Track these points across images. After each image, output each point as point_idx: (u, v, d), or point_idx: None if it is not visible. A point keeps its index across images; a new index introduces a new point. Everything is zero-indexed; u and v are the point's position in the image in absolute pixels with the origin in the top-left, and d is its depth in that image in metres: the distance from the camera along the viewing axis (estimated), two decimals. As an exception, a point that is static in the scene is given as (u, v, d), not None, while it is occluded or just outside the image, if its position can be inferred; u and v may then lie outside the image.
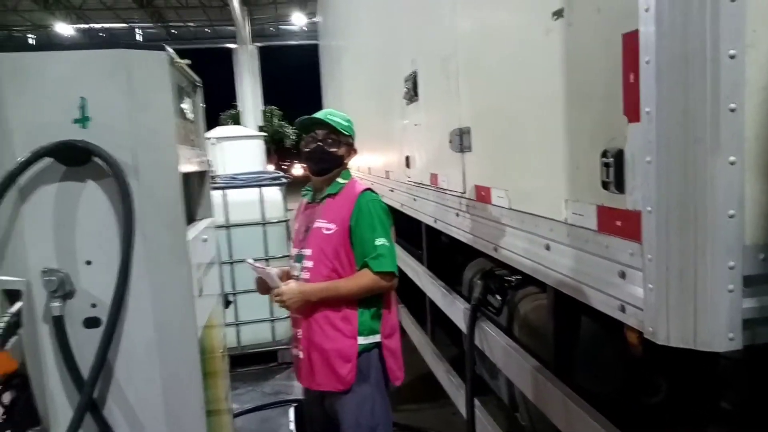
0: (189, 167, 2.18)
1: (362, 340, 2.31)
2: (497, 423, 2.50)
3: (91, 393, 1.69)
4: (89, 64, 1.78)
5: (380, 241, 2.28)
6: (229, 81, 26.66)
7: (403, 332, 4.07)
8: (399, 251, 4.19)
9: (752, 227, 1.11)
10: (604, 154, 1.30)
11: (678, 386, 1.70)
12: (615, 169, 1.26)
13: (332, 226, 2.32)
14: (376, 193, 2.43)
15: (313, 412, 2.58)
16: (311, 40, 21.92)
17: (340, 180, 2.44)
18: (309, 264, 2.35)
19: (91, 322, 1.76)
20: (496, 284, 2.53)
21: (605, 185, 1.31)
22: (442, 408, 3.71)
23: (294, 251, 2.47)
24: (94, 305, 1.77)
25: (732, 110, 1.06)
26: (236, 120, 25.83)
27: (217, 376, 2.49)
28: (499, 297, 2.51)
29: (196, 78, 2.59)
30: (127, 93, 1.79)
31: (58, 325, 1.71)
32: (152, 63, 1.85)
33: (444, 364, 3.28)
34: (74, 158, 1.75)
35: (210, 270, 2.45)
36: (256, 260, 2.50)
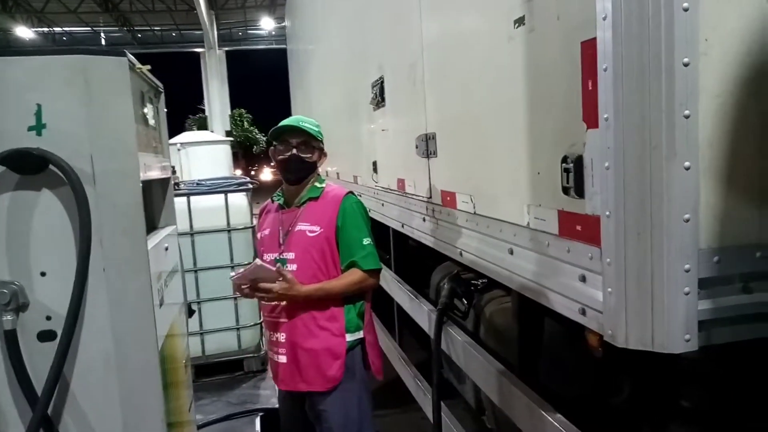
0: (150, 174, 2.13)
1: (349, 337, 2.35)
2: (464, 427, 2.50)
3: (45, 409, 1.63)
4: (46, 70, 1.73)
5: (367, 241, 2.37)
6: (197, 85, 26.31)
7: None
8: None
9: (707, 231, 1.14)
10: (564, 160, 1.31)
11: (640, 386, 1.73)
12: (575, 175, 1.28)
13: (317, 228, 2.35)
14: (357, 196, 2.48)
15: (291, 419, 2.55)
16: (279, 44, 21.82)
17: (317, 184, 2.47)
18: (293, 267, 2.35)
19: (46, 336, 1.70)
20: (463, 288, 2.55)
21: (566, 190, 1.32)
22: (412, 413, 3.71)
23: (270, 256, 2.43)
24: (48, 318, 1.71)
25: (686, 117, 1.08)
26: (203, 125, 25.50)
27: (179, 386, 2.43)
28: (465, 301, 2.52)
29: (158, 83, 2.54)
30: (85, 99, 1.74)
31: (11, 339, 1.65)
32: (111, 69, 1.80)
33: (411, 369, 3.28)
34: (28, 166, 1.69)
35: (172, 278, 2.40)
36: (233, 269, 2.42)
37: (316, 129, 2.44)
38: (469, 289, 2.52)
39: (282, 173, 2.47)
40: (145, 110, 2.22)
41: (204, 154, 8.26)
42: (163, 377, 2.03)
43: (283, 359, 2.37)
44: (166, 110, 2.69)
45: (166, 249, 2.31)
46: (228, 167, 9.05)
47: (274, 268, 2.26)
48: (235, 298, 4.63)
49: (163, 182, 2.62)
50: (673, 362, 1.53)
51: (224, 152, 9.12)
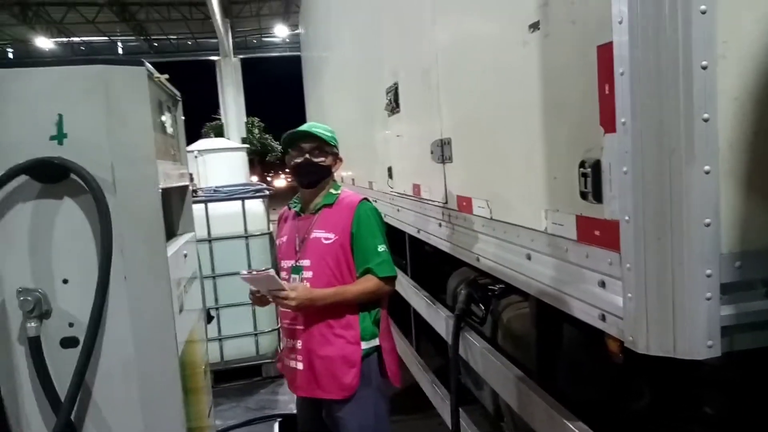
0: (169, 182, 2.16)
1: (365, 345, 2.35)
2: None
3: (68, 415, 1.66)
4: (67, 80, 1.76)
5: (382, 248, 2.36)
6: (212, 93, 26.54)
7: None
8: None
9: (728, 235, 1.12)
10: (582, 165, 1.31)
11: (661, 391, 1.70)
12: (593, 180, 1.27)
13: (331, 235, 2.36)
14: (372, 203, 2.47)
15: (309, 425, 2.55)
16: (294, 51, 21.97)
17: (332, 191, 2.47)
18: (308, 275, 2.36)
19: (69, 342, 1.73)
20: (480, 293, 2.53)
21: (583, 195, 1.32)
22: (428, 419, 3.69)
23: (287, 263, 2.44)
24: (71, 324, 1.74)
25: (705, 120, 1.07)
26: (219, 132, 25.71)
27: (199, 392, 2.45)
28: (482, 306, 2.51)
29: (176, 92, 2.57)
30: (105, 109, 1.77)
31: (35, 345, 1.68)
32: (131, 78, 1.84)
33: (429, 375, 3.27)
34: (50, 175, 1.72)
35: (191, 285, 2.43)
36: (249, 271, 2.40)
37: (329, 134, 2.45)
38: (486, 294, 2.51)
39: (296, 178, 2.48)
40: (163, 119, 2.25)
41: (221, 161, 8.33)
42: (183, 383, 2.05)
43: (300, 366, 2.38)
44: (183, 118, 2.73)
45: (185, 256, 2.34)
46: (245, 174, 9.12)
47: (285, 285, 2.26)
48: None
49: (182, 189, 2.65)
50: (694, 368, 1.52)
51: (241, 159, 9.19)
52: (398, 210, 3.47)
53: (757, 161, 1.12)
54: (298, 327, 2.37)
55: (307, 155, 2.40)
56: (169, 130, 2.41)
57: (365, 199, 2.45)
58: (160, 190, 1.90)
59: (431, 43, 2.50)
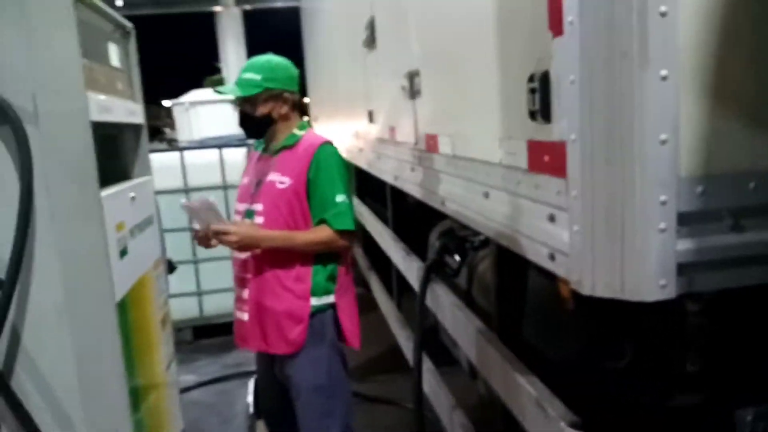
0: (108, 116, 1.99)
1: (315, 301, 2.17)
2: (452, 392, 2.35)
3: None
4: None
5: (340, 198, 2.14)
6: (212, 47, 25.97)
7: (373, 301, 3.94)
8: (365, 213, 4.04)
9: (688, 155, 0.94)
10: (531, 79, 1.12)
11: (643, 348, 1.55)
12: (541, 95, 1.09)
13: (286, 179, 2.16)
14: (335, 146, 2.25)
15: (266, 383, 2.43)
16: (297, 2, 21.37)
17: (296, 131, 2.27)
18: (260, 220, 2.19)
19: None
20: (455, 244, 2.38)
21: (532, 115, 1.13)
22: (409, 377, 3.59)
23: (241, 206, 2.28)
24: (-12, 266, 1.61)
25: (663, 14, 0.88)
26: (220, 86, 25.26)
27: (151, 345, 2.34)
28: (458, 257, 2.36)
29: (127, 23, 2.40)
30: (24, 30, 1.60)
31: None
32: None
33: (406, 332, 3.14)
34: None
35: (143, 230, 2.28)
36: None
37: (258, 78, 2.19)
38: (463, 245, 2.35)
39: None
40: (108, 49, 2.08)
41: (211, 113, 8.06)
42: (128, 334, 1.93)
43: (245, 317, 2.23)
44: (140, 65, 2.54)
45: (133, 198, 2.19)
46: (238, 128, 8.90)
47: (229, 222, 2.14)
48: (234, 258, 4.54)
49: (135, 129, 2.49)
50: (680, 319, 1.35)
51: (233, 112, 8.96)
52: (378, 157, 3.28)
53: (725, 67, 0.93)
54: (248, 276, 2.21)
55: (240, 107, 2.26)
56: (115, 62, 2.23)
57: (327, 141, 2.24)
58: (91, 124, 1.74)
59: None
